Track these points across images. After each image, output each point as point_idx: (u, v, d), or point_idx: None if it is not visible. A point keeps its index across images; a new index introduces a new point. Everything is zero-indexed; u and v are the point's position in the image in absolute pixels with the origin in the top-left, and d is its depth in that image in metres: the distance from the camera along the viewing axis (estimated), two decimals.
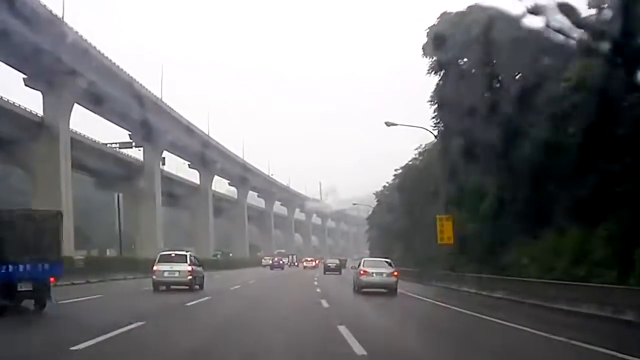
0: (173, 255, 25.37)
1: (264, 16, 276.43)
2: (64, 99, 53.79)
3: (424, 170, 41.36)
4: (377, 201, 73.25)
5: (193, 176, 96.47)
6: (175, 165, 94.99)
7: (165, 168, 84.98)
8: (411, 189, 43.87)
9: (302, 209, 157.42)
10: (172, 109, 73.89)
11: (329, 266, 53.06)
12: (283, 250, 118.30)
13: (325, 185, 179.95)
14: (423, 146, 50.02)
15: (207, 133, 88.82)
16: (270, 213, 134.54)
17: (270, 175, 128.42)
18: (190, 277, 24.01)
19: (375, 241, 79.97)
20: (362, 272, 23.69)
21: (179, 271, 23.91)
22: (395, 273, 23.90)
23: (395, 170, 59.15)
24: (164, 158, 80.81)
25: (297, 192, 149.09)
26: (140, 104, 65.10)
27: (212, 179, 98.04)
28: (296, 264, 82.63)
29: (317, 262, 78.21)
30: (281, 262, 71.90)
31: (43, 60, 48.62)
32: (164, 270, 24.03)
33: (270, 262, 69.00)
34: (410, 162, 52.06)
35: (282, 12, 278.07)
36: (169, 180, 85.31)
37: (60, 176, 52.78)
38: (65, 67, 51.06)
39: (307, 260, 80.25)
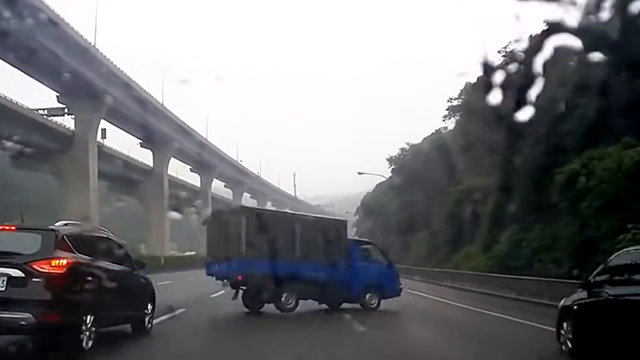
0: None
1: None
2: None
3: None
4: (392, 170, 54.25)
5: (146, 158, 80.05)
6: (128, 147, 78.72)
7: (112, 145, 68.57)
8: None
9: (274, 202, 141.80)
10: (111, 61, 56.83)
11: None
12: None
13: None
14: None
15: (160, 102, 72.03)
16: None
17: (239, 162, 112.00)
18: None
19: (379, 230, 61.03)
20: None
21: None
22: None
23: (449, 100, 43.88)
24: (104, 129, 64.37)
25: (269, 183, 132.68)
26: (65, 47, 48.56)
27: (168, 161, 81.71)
28: None
29: None
30: None
31: None
32: None
33: None
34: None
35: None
36: (113, 159, 68.52)
37: None
38: None
39: None
